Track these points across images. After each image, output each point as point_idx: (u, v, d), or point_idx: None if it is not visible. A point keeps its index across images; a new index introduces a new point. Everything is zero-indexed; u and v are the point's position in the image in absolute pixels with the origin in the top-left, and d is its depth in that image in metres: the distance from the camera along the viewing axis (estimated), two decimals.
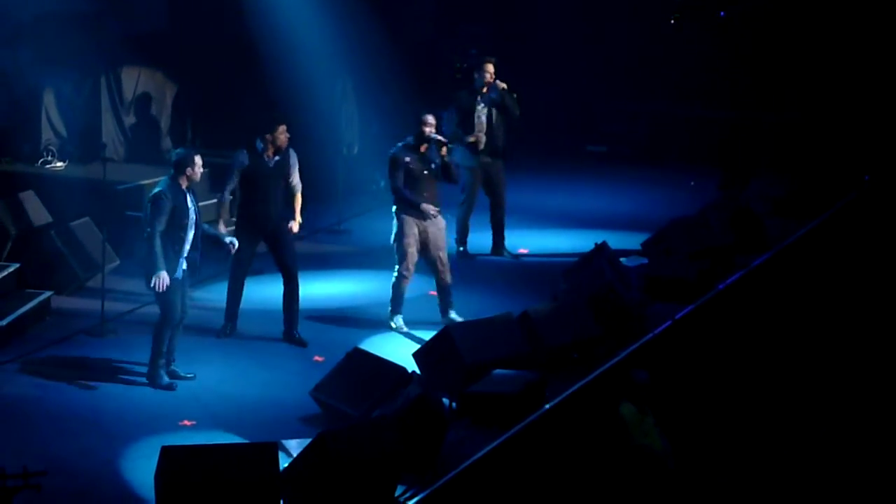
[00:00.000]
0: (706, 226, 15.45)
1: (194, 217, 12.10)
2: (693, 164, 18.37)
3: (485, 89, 15.61)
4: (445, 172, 13.58)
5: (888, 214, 17.29)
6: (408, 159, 13.43)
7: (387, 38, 19.26)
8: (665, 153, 20.66)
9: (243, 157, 13.11)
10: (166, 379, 11.99)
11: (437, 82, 21.23)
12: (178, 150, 12.28)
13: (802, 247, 15.97)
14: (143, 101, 17.58)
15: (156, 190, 12.02)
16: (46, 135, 16.67)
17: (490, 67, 15.63)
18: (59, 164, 16.44)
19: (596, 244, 14.47)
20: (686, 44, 21.72)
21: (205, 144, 18.26)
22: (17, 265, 14.00)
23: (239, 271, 13.25)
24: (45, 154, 16.47)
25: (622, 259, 14.82)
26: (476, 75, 15.71)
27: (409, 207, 13.43)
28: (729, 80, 21.11)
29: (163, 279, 11.86)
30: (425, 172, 13.46)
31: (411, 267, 13.54)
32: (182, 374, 12.21)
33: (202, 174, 12.23)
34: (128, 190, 15.87)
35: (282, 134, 13.09)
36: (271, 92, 17.72)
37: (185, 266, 12.05)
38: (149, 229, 11.88)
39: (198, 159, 12.10)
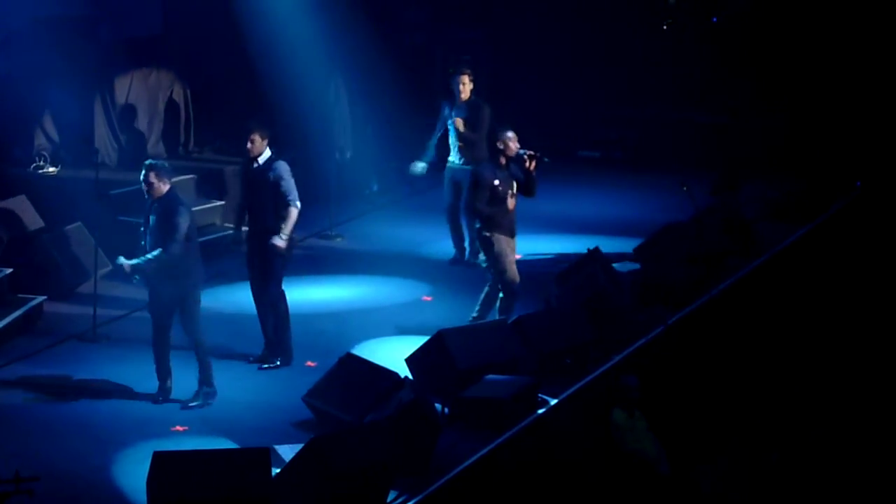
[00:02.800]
0: (698, 231, 15.45)
1: None
2: (685, 169, 18.35)
3: (460, 101, 15.52)
4: (528, 187, 13.42)
5: (880, 219, 17.31)
6: (496, 182, 13.19)
7: (380, 43, 19.26)
8: (658, 158, 20.66)
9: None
10: (165, 392, 11.92)
11: (430, 87, 21.24)
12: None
13: (794, 252, 15.99)
14: (136, 105, 17.56)
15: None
16: (39, 140, 16.64)
17: (465, 79, 15.51)
18: (51, 168, 16.42)
19: (588, 249, 14.47)
20: (678, 49, 21.73)
21: (198, 149, 18.28)
22: (10, 270, 13.97)
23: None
24: (37, 159, 16.44)
25: (615, 264, 14.82)
26: (452, 86, 15.62)
27: (498, 226, 13.20)
28: (721, 84, 21.13)
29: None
30: (510, 192, 13.27)
31: (518, 279, 13.28)
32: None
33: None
34: (120, 195, 15.84)
35: (251, 139, 12.77)
36: (265, 96, 17.72)
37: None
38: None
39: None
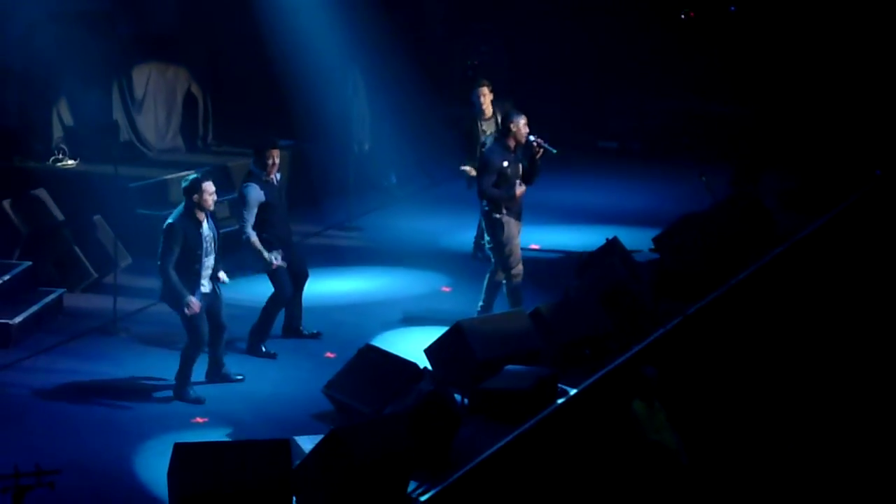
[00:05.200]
0: (717, 221, 15.44)
1: (209, 244, 11.84)
2: (704, 160, 18.35)
3: (485, 115, 15.17)
4: (530, 174, 13.31)
5: None
6: (505, 163, 13.09)
7: (397, 35, 19.27)
8: (676, 149, 20.65)
9: (257, 192, 12.71)
10: (193, 394, 11.78)
11: (447, 79, 21.24)
12: (186, 178, 11.97)
13: (814, 242, 15.96)
14: (154, 99, 17.59)
15: (168, 221, 11.80)
16: (58, 133, 16.69)
17: (485, 91, 15.14)
18: (70, 162, 16.47)
19: (607, 240, 14.46)
20: (696, 39, 21.69)
21: (216, 143, 18.31)
22: (30, 263, 14.03)
23: (283, 300, 13.04)
24: (56, 152, 16.49)
25: (634, 254, 14.81)
26: (473, 99, 15.22)
27: (505, 208, 13.09)
28: (739, 75, 21.09)
29: (193, 305, 11.66)
30: (518, 174, 13.22)
31: (521, 266, 13.27)
32: (232, 377, 12.16)
33: (213, 199, 11.86)
34: (139, 188, 15.88)
35: (277, 156, 12.81)
36: (283, 90, 17.73)
37: (208, 287, 11.85)
38: (159, 262, 11.67)
39: (206, 185, 11.79)
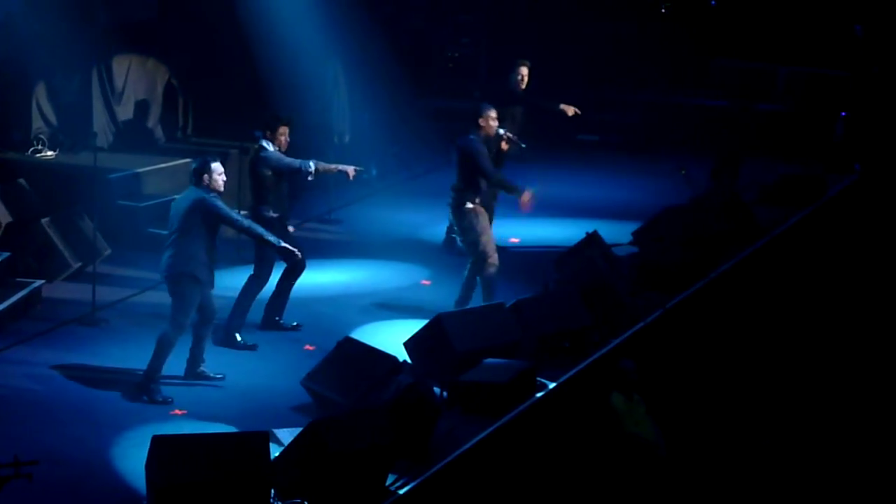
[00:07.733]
0: (697, 215, 15.47)
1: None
2: (684, 153, 18.38)
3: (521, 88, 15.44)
4: (497, 162, 13.47)
5: (878, 203, 17.33)
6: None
7: (378, 27, 19.24)
8: (656, 142, 20.67)
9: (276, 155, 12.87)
10: (161, 394, 11.60)
11: (428, 71, 21.23)
12: (196, 160, 11.83)
13: (793, 235, 16.00)
14: (134, 89, 17.54)
15: (200, 195, 11.52)
16: (37, 123, 16.62)
17: (524, 70, 15.45)
18: (49, 152, 16.41)
19: (587, 233, 14.48)
20: (677, 32, 21.72)
21: (196, 133, 18.27)
22: (8, 254, 13.98)
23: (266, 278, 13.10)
24: (35, 143, 16.42)
25: (613, 248, 14.83)
26: (511, 77, 15.49)
27: (478, 198, 13.13)
28: (720, 68, 21.13)
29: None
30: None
31: (496, 256, 13.27)
32: (211, 375, 12.03)
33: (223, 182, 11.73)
34: (118, 179, 15.84)
35: (287, 133, 12.93)
36: (263, 81, 17.69)
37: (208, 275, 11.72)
38: (238, 222, 11.64)
39: (215, 166, 11.64)
